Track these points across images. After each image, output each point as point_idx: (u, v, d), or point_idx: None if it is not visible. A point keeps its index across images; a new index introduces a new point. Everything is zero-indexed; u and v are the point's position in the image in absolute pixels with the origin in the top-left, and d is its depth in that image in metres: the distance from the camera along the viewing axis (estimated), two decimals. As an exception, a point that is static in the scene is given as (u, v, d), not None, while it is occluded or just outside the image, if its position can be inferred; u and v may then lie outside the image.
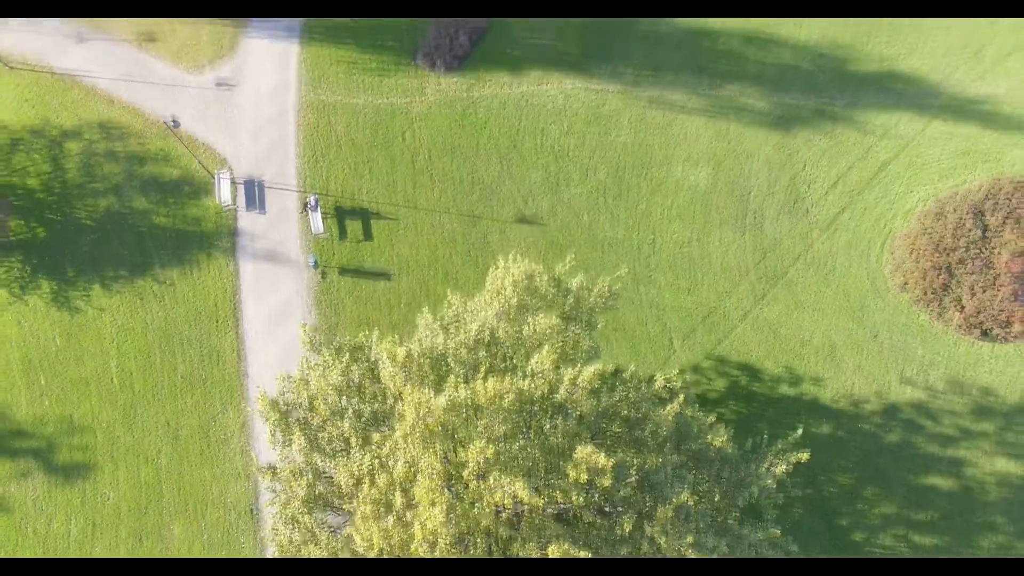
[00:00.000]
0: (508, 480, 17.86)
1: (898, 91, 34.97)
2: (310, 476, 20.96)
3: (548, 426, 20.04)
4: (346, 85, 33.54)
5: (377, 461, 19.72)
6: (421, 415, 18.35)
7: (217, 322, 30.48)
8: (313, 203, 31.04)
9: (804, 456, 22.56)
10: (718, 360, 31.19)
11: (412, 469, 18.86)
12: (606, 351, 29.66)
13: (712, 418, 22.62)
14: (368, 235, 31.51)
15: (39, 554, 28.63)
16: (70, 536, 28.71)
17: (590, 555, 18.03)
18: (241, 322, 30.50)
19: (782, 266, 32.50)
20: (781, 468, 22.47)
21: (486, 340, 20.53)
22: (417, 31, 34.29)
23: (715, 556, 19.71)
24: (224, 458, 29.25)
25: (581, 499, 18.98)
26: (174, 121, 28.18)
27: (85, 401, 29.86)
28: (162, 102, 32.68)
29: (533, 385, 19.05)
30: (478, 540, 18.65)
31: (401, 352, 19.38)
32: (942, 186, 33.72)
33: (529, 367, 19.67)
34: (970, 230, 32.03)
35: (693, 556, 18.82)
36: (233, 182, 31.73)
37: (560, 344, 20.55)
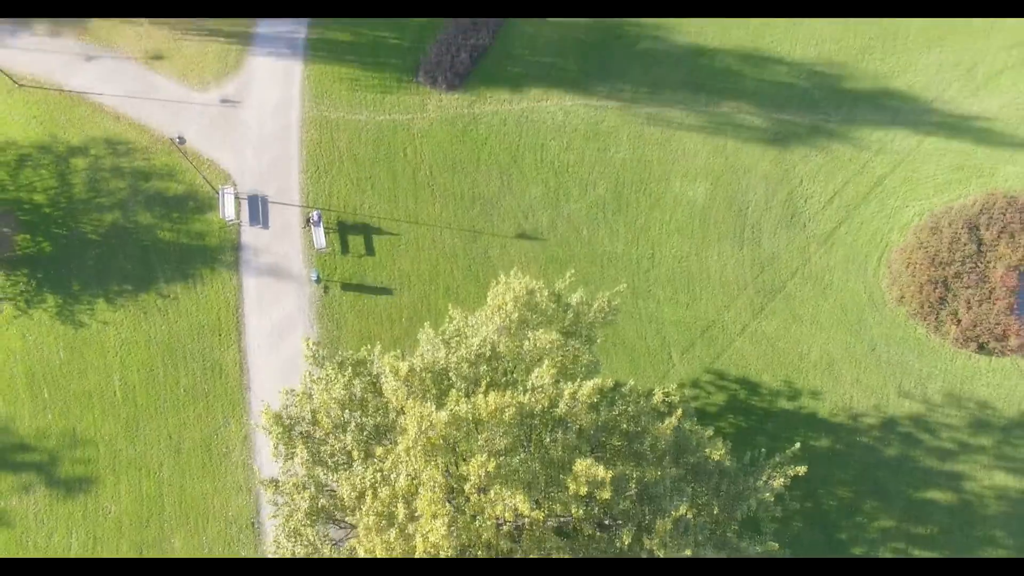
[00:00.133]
0: (509, 494, 18.30)
1: (893, 107, 35.85)
2: (313, 489, 21.38)
3: (548, 439, 20.51)
4: (349, 102, 34.38)
5: (379, 474, 20.17)
6: (423, 429, 18.83)
7: (220, 336, 31.02)
8: (316, 218, 31.72)
9: (801, 470, 23.00)
10: (717, 374, 31.70)
11: (414, 482, 19.32)
12: (606, 365, 30.21)
13: (710, 431, 23.10)
14: (370, 250, 32.17)
15: (40, 568, 28.90)
16: (71, 550, 29.03)
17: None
18: (244, 336, 31.04)
19: (780, 280, 33.14)
20: (779, 481, 22.90)
21: (487, 355, 21.06)
22: (419, 48, 35.24)
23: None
24: (226, 471, 29.64)
25: (581, 512, 19.41)
26: (180, 138, 28.95)
27: (88, 414, 30.31)
28: (168, 119, 33.50)
29: (533, 399, 19.57)
30: (479, 553, 19.06)
31: (404, 367, 19.91)
32: (937, 201, 34.48)
33: (529, 381, 20.19)
34: (965, 244, 32.71)
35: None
36: (237, 197, 32.44)
37: (560, 359, 21.09)
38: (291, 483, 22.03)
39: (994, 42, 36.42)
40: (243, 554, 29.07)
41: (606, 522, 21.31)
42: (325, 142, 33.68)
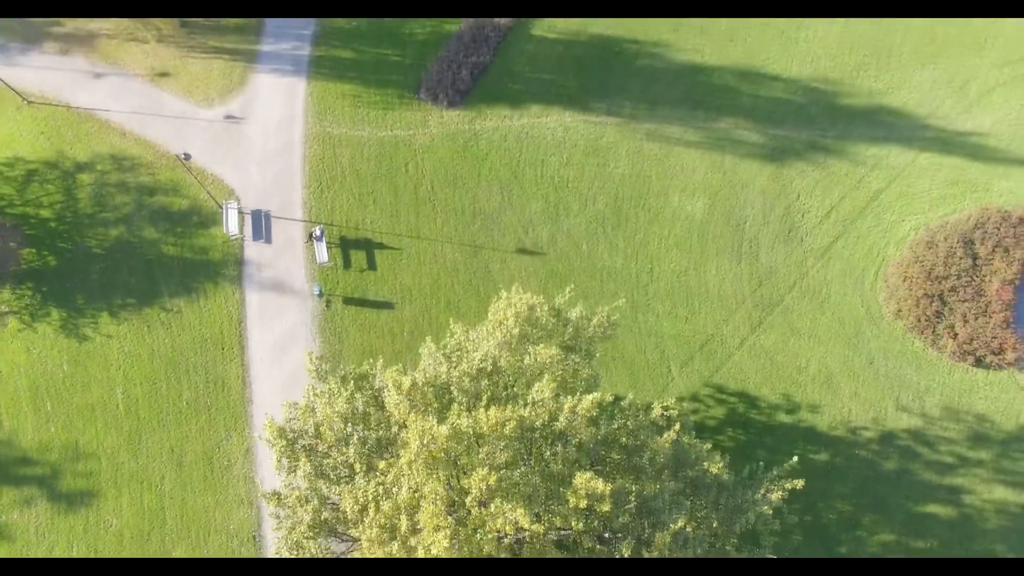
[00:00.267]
0: (510, 507, 18.73)
1: (888, 123, 36.69)
2: (316, 502, 21.79)
3: (548, 453, 20.95)
4: (351, 118, 35.21)
5: (382, 487, 20.60)
6: (425, 443, 19.29)
7: (223, 349, 31.55)
8: (318, 233, 32.39)
9: (799, 483, 23.41)
10: (716, 387, 32.19)
11: (416, 495, 19.76)
12: (606, 379, 30.72)
13: (708, 445, 23.56)
14: (372, 264, 32.80)
15: (41, 582, 29.17)
16: (72, 564, 29.30)
17: (589, 581, 18.79)
18: (246, 350, 31.56)
19: (778, 294, 33.74)
20: (777, 495, 23.31)
21: (488, 369, 21.58)
22: (420, 66, 36.14)
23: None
24: (227, 484, 30.01)
25: (581, 525, 19.82)
26: (185, 155, 29.71)
27: (90, 427, 30.74)
28: (173, 135, 34.30)
29: (534, 413, 20.07)
30: (480, 566, 19.42)
31: (407, 381, 20.42)
32: (933, 215, 35.18)
33: (530, 396, 20.69)
34: (961, 259, 33.34)
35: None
36: (240, 212, 33.14)
37: (560, 373, 21.60)
38: (294, 496, 22.44)
39: (986, 60, 37.36)
40: (244, 568, 29.35)
41: (606, 535, 21.69)
42: (328, 158, 34.46)
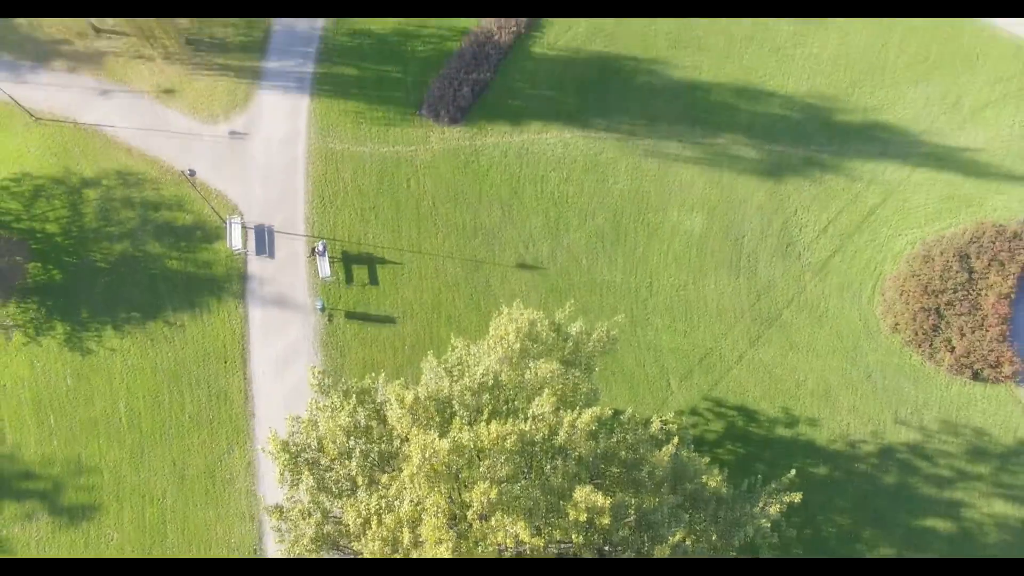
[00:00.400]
0: (510, 520, 19.20)
1: (883, 140, 37.56)
2: (319, 516, 22.24)
3: (549, 467, 21.43)
4: (353, 135, 36.07)
5: (384, 501, 21.07)
6: (427, 456, 19.80)
7: (225, 363, 32.10)
8: (321, 248, 33.09)
9: (796, 497, 23.88)
10: (715, 401, 32.71)
11: (418, 508, 20.24)
12: (606, 392, 31.25)
13: (707, 459, 24.06)
14: (374, 279, 33.47)
15: (41, 597, 29.48)
16: (73, 578, 29.62)
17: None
18: (249, 364, 32.12)
19: (776, 308, 34.37)
20: (775, 508, 23.77)
21: (490, 384, 22.15)
22: (422, 83, 37.07)
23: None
24: (229, 498, 30.42)
25: (581, 539, 20.27)
26: (191, 171, 30.49)
27: (93, 441, 31.20)
28: (178, 151, 35.13)
29: (534, 428, 20.60)
30: (481, 579, 19.85)
31: (409, 395, 20.97)
32: (928, 230, 35.93)
33: (530, 411, 21.24)
34: (956, 273, 34.01)
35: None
36: (244, 228, 33.87)
37: (560, 388, 22.17)
38: (296, 510, 22.89)
39: (978, 77, 38.34)
40: (245, 582, 29.67)
41: (605, 549, 22.12)
42: (330, 174, 35.27)
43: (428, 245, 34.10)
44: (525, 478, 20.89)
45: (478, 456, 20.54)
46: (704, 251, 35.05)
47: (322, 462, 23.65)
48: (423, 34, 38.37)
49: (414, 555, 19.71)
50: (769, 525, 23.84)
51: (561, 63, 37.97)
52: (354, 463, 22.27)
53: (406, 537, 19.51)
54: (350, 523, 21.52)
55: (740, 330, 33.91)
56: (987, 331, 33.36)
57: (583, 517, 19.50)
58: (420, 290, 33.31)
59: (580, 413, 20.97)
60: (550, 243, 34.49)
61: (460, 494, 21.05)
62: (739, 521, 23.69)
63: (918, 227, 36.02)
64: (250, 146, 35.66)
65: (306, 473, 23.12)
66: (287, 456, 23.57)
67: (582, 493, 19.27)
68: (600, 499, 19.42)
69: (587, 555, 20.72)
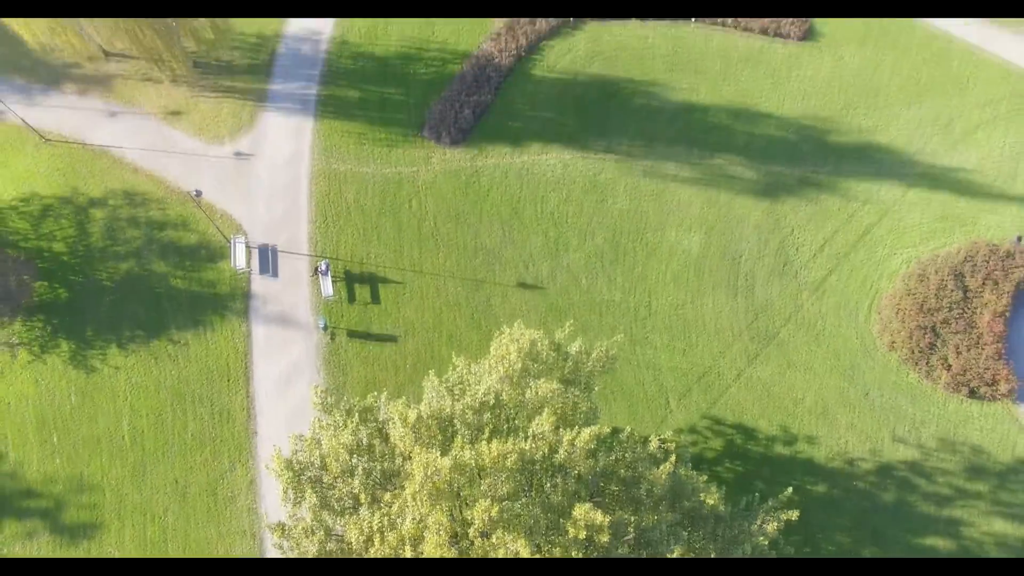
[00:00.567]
0: (511, 538, 19.79)
1: (877, 160, 38.69)
2: (322, 533, 22.81)
3: (549, 485, 22.04)
4: (356, 155, 37.16)
5: (386, 519, 21.68)
6: (429, 474, 20.46)
7: (228, 382, 32.79)
8: (324, 268, 33.97)
9: (794, 515, 24.45)
10: (714, 419, 33.36)
11: (420, 526, 20.84)
12: (605, 411, 31.92)
13: (705, 477, 24.67)
14: (376, 298, 34.31)
15: (42, 616, 29.84)
16: (74, 597, 30.01)
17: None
18: (251, 382, 32.80)
19: (774, 327, 35.17)
20: (773, 526, 24.34)
21: (491, 403, 22.87)
22: (423, 105, 38.26)
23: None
24: (231, 516, 30.92)
25: (580, 556, 20.84)
26: (197, 192, 31.46)
27: (96, 459, 31.75)
28: (183, 171, 36.18)
29: (534, 447, 21.28)
30: (482, 596, 20.40)
31: (412, 414, 21.68)
32: (923, 249, 36.88)
33: (531, 429, 21.94)
34: (952, 291, 34.89)
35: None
36: (248, 247, 34.77)
37: (560, 407, 22.87)
38: (299, 528, 23.45)
39: (968, 100, 39.61)
40: (245, 601, 30.06)
41: (605, 567, 22.64)
42: (333, 194, 36.28)
43: (429, 265, 34.99)
44: (526, 496, 21.51)
45: (479, 474, 21.17)
46: (702, 270, 35.95)
47: (325, 480, 24.24)
48: (425, 57, 39.69)
49: (416, 572, 20.26)
50: (767, 543, 24.38)
51: (561, 85, 39.22)
52: (357, 481, 22.87)
53: (408, 554, 20.08)
54: (352, 541, 22.07)
55: (738, 349, 34.68)
56: (983, 349, 34.15)
57: (582, 535, 20.08)
58: (421, 309, 34.12)
59: (579, 432, 21.61)
60: (550, 263, 35.40)
61: (461, 512, 21.66)
62: (737, 539, 24.24)
63: (913, 246, 36.98)
64: (255, 167, 36.73)
65: (309, 491, 23.69)
66: (291, 474, 24.17)
67: (581, 510, 19.90)
68: (599, 517, 20.03)
69: (587, 572, 21.23)
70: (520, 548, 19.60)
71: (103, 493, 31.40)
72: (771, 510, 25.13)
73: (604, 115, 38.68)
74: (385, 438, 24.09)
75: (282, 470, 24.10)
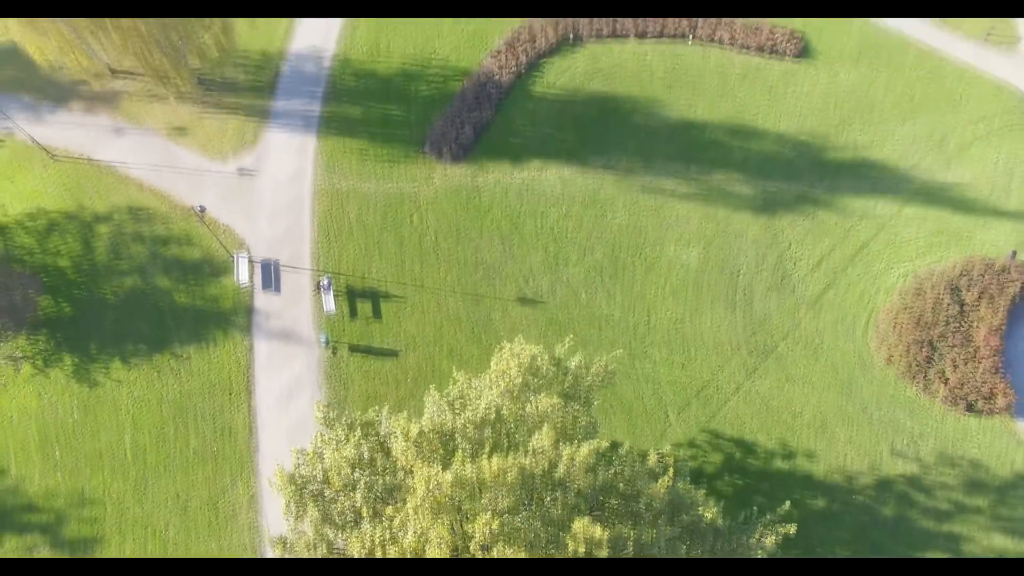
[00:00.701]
0: (511, 552, 20.24)
1: (873, 176, 39.53)
2: (324, 548, 23.24)
3: (548, 500, 22.53)
4: (358, 172, 38.02)
5: (388, 533, 22.13)
6: (431, 489, 20.97)
7: (231, 396, 33.33)
8: (326, 283, 34.65)
9: (791, 529, 24.89)
10: (713, 433, 33.84)
11: (422, 540, 21.30)
12: (605, 425, 32.41)
13: (703, 492, 25.14)
14: (377, 314, 34.96)
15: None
16: (74, 613, 30.29)
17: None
18: (253, 397, 33.34)
19: (772, 341, 35.77)
20: (771, 540, 24.78)
21: (492, 418, 23.42)
22: (425, 122, 39.20)
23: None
24: (232, 531, 31.29)
25: (580, 570, 21.26)
26: (201, 208, 32.23)
27: (97, 474, 32.18)
28: (188, 188, 37.01)
29: (534, 462, 21.81)
30: (483, 610, 20.79)
31: (414, 429, 22.23)
32: (920, 264, 37.58)
33: (531, 444, 22.48)
34: (948, 306, 35.52)
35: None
36: (251, 263, 35.49)
37: (560, 422, 23.42)
38: (302, 542, 23.88)
39: (961, 116, 40.56)
40: (245, 617, 30.34)
41: (604, 581, 23.04)
42: (336, 210, 37.08)
43: (430, 280, 35.69)
44: (526, 510, 21.99)
45: (480, 488, 21.66)
46: (700, 285, 36.63)
47: (327, 494, 24.69)
48: (426, 75, 40.71)
49: (418, 586, 20.67)
50: (765, 557, 24.78)
51: (560, 103, 40.18)
52: (359, 495, 23.33)
53: (410, 568, 20.52)
54: (354, 555, 22.49)
55: (737, 363, 35.25)
56: (979, 363, 34.70)
57: (582, 549, 20.53)
58: (422, 324, 34.76)
59: (579, 447, 22.15)
60: (550, 278, 36.10)
61: (462, 526, 22.12)
62: (735, 552, 24.65)
63: (909, 261, 37.69)
64: (258, 183, 37.57)
65: (311, 505, 24.14)
66: (293, 488, 24.63)
67: (580, 524, 20.37)
68: (598, 531, 20.50)
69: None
70: (520, 562, 20.01)
71: (104, 507, 31.82)
72: (769, 524, 25.57)
73: (603, 132, 39.61)
74: (387, 452, 24.59)
75: (285, 484, 24.56)
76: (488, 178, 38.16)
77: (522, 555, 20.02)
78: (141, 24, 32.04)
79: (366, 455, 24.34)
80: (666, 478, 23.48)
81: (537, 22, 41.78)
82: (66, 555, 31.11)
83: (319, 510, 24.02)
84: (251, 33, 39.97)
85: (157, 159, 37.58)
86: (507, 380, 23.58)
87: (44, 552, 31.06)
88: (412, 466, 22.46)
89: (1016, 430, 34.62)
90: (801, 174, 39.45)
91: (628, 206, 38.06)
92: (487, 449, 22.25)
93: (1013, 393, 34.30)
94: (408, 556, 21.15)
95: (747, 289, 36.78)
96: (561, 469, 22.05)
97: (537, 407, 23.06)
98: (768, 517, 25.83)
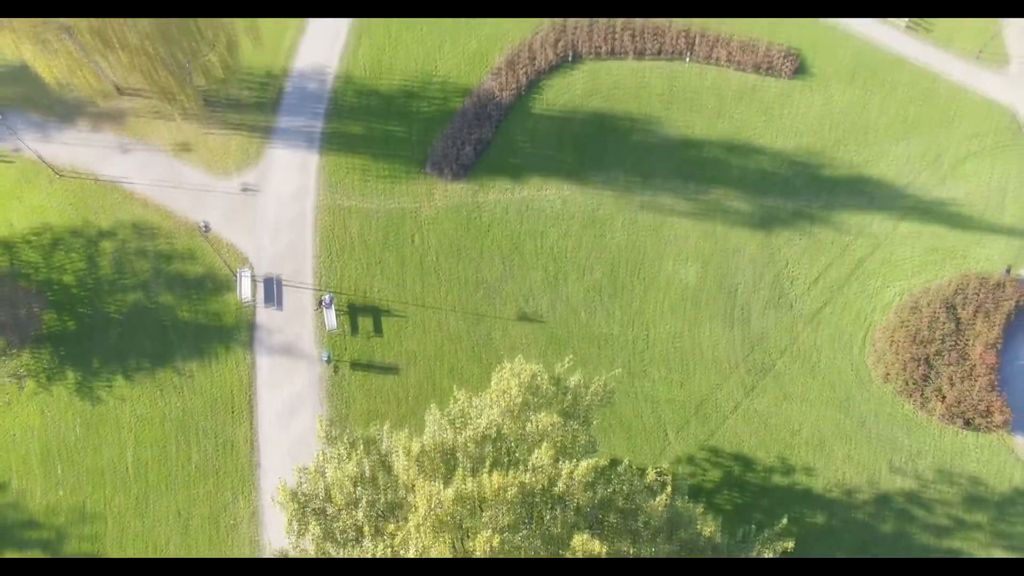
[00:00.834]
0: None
1: (868, 194, 40.40)
2: (326, 565, 23.68)
3: (548, 517, 23.05)
4: (360, 190, 38.84)
5: (390, 550, 22.60)
6: (433, 506, 21.49)
7: (232, 412, 33.87)
8: (328, 300, 35.33)
9: (789, 545, 25.40)
10: (712, 451, 34.37)
11: (423, 557, 21.77)
12: (605, 443, 32.96)
13: (701, 508, 25.67)
14: (378, 331, 35.60)
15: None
16: (74, 630, 30.60)
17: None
18: (255, 413, 33.88)
19: (770, 359, 36.40)
20: (769, 556, 25.26)
21: (492, 436, 24.00)
22: (426, 141, 40.10)
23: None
24: (232, 547, 31.69)
25: (579, 587, 21.73)
26: (205, 226, 32.97)
27: (99, 490, 32.62)
28: (192, 205, 37.80)
29: (534, 479, 22.35)
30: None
31: (416, 446, 22.79)
32: (915, 281, 38.34)
33: (531, 462, 23.04)
34: (944, 323, 36.22)
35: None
36: (253, 279, 36.19)
37: (559, 439, 24.00)
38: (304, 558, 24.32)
39: (955, 134, 41.53)
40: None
41: (604, 598, 23.49)
42: (338, 228, 37.85)
43: (431, 298, 36.39)
44: (526, 527, 22.50)
45: (480, 506, 22.19)
46: (699, 303, 37.34)
47: (329, 511, 25.18)
48: (428, 94, 41.68)
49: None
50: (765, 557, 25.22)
51: (559, 122, 41.13)
52: (361, 512, 23.83)
53: (412, 585, 20.97)
54: (357, 572, 22.94)
55: (735, 380, 35.85)
56: (976, 380, 35.32)
57: (581, 566, 21.02)
58: (423, 342, 35.40)
59: (577, 464, 22.71)
60: (549, 296, 36.81)
61: (463, 543, 22.61)
62: (734, 570, 25.10)
63: (905, 278, 38.45)
64: (261, 200, 38.37)
65: (313, 522, 24.61)
66: (295, 505, 25.12)
67: (579, 541, 20.89)
68: (597, 547, 21.01)
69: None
70: (520, 579, 20.48)
71: (105, 523, 32.23)
72: (767, 540, 26.06)
73: (602, 151, 40.51)
74: (388, 469, 25.10)
75: (288, 501, 25.05)
76: (488, 196, 38.99)
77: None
78: (148, 44, 32.97)
79: (368, 472, 24.84)
80: (664, 495, 24.02)
81: (536, 41, 42.85)
82: (66, 572, 31.44)
83: (321, 527, 24.48)
84: (255, 52, 40.97)
85: (161, 176, 38.42)
86: (507, 399, 24.19)
87: (44, 569, 31.40)
88: (414, 483, 22.99)
89: (1014, 446, 35.19)
90: (798, 192, 40.31)
91: (627, 224, 38.86)
92: (487, 466, 22.79)
93: (1010, 410, 34.89)
94: (410, 573, 21.60)
95: (745, 307, 37.49)
96: (560, 486, 22.58)
97: (537, 425, 23.65)
98: (766, 533, 26.33)
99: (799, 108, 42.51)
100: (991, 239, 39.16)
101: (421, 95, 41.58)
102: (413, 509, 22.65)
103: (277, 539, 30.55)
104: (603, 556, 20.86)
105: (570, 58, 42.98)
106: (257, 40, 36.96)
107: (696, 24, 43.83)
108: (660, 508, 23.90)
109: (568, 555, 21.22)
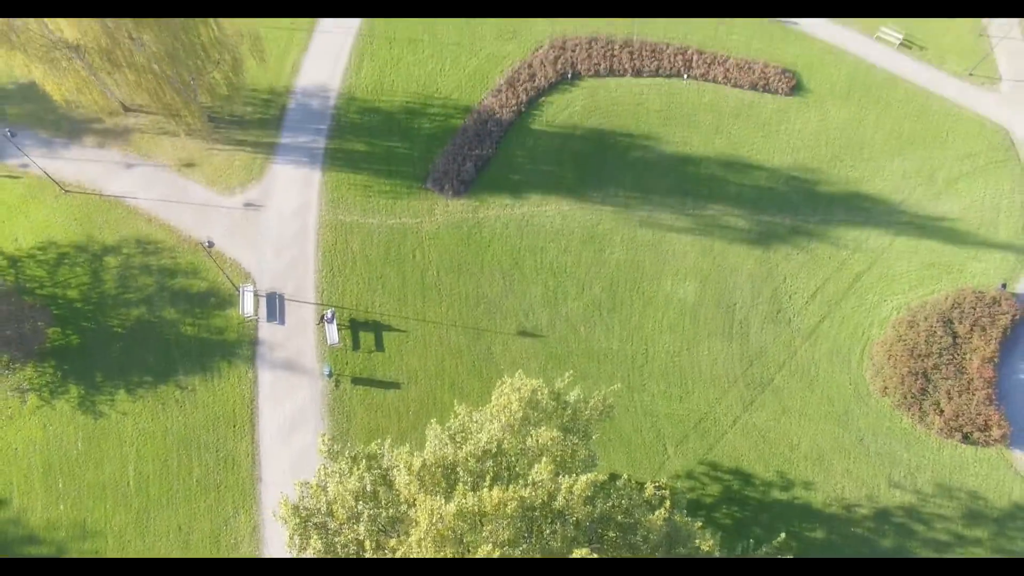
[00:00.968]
0: (512, 584, 21.10)
1: (865, 209, 41.21)
2: (327, 580, 24.04)
3: (548, 531, 23.47)
4: (362, 206, 39.62)
5: (391, 565, 22.99)
6: (434, 521, 21.93)
7: (234, 427, 34.33)
8: (330, 316, 35.95)
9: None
10: (711, 465, 34.80)
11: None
12: (604, 458, 33.40)
13: (700, 523, 26.08)
14: (380, 346, 36.19)
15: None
16: (74, 647, 30.81)
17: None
18: (257, 428, 34.34)
19: (768, 374, 36.95)
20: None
21: (493, 451, 24.49)
22: (427, 158, 40.98)
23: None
24: (233, 564, 32.00)
25: (579, 602, 22.08)
26: (209, 242, 33.68)
27: (100, 505, 32.98)
28: (195, 221, 38.55)
29: (534, 493, 22.82)
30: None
31: (417, 462, 23.27)
32: (912, 296, 39.01)
33: (531, 476, 23.51)
34: (941, 337, 36.83)
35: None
36: (256, 295, 36.83)
37: (559, 454, 24.49)
38: (306, 574, 24.69)
39: (949, 152, 42.46)
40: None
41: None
42: (340, 244, 38.58)
43: (432, 314, 37.02)
44: (526, 542, 22.91)
45: (481, 520, 22.62)
46: (697, 318, 37.97)
47: (330, 526, 25.59)
48: (429, 112, 42.65)
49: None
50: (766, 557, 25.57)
51: (559, 139, 42.05)
52: (362, 527, 24.22)
53: (414, 600, 21.35)
54: (358, 587, 23.30)
55: (734, 395, 36.37)
56: (973, 394, 35.86)
57: (581, 580, 21.39)
58: (424, 357, 35.97)
59: (576, 479, 23.18)
60: (549, 312, 37.44)
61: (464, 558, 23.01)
62: (733, 585, 25.45)
63: (902, 293, 39.12)
64: (264, 217, 39.13)
65: (315, 537, 25.00)
66: (297, 520, 25.53)
67: (579, 555, 21.30)
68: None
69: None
70: (521, 594, 20.85)
71: (106, 539, 32.52)
72: (765, 555, 26.40)
73: (601, 168, 41.38)
74: (389, 485, 25.53)
75: (289, 516, 25.46)
76: (489, 213, 39.77)
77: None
78: (155, 63, 33.93)
79: (369, 487, 25.26)
80: (663, 509, 24.45)
81: (536, 59, 43.93)
82: (66, 588, 31.70)
83: (323, 541, 24.86)
84: (259, 70, 41.99)
85: (166, 193, 39.22)
86: (508, 414, 24.71)
87: (44, 585, 31.66)
88: (415, 498, 23.44)
89: (1013, 460, 35.62)
90: (795, 208, 41.12)
91: (626, 241, 39.60)
92: (488, 481, 23.25)
93: (1008, 424, 35.40)
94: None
95: (743, 322, 38.11)
96: (560, 500, 23.03)
97: (537, 440, 24.14)
98: (764, 549, 26.71)
99: (796, 125, 43.48)
100: (986, 254, 39.91)
101: (422, 113, 42.55)
102: (414, 524, 23.08)
103: (278, 554, 30.94)
104: (602, 570, 21.24)
105: (569, 76, 44.03)
106: (261, 59, 37.95)
107: (693, 43, 44.97)
108: (659, 523, 24.31)
109: (568, 569, 21.61)
